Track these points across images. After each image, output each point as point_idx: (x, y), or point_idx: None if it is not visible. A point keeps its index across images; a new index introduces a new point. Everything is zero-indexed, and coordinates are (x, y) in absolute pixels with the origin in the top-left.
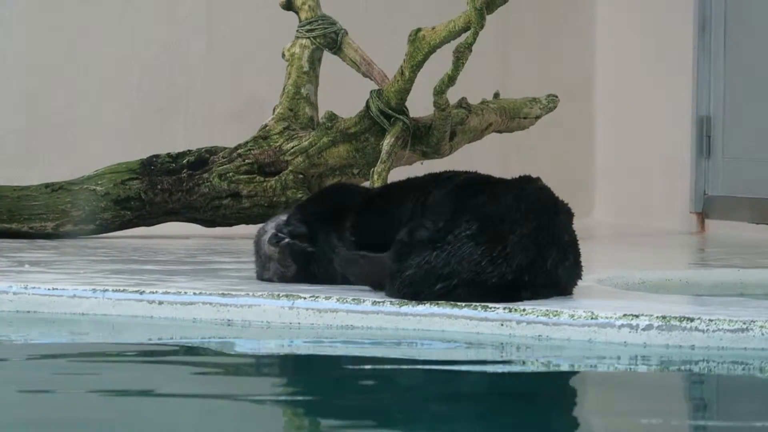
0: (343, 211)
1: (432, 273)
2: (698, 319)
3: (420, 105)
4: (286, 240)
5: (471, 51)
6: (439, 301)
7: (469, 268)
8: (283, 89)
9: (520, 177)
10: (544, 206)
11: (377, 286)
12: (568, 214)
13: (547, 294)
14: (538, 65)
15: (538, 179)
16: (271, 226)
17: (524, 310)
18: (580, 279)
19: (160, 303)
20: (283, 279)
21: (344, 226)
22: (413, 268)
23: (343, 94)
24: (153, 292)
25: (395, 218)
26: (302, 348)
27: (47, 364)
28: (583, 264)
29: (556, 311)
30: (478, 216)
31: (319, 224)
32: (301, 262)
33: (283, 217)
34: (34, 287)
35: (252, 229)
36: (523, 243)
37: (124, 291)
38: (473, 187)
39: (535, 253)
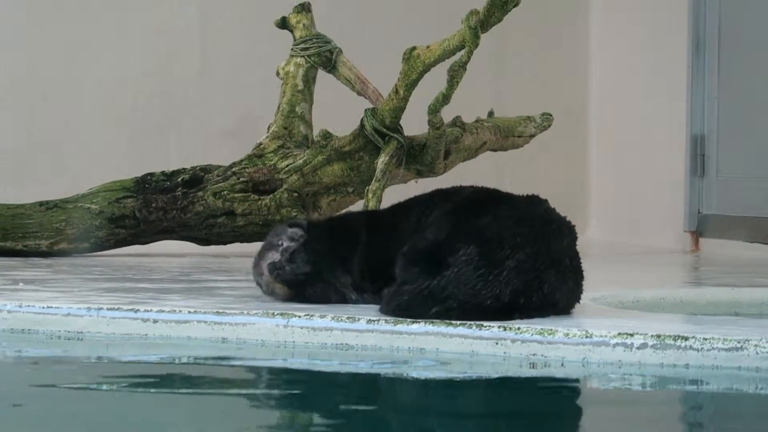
0: (350, 242)
1: (429, 297)
2: (693, 337)
3: (414, 123)
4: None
5: (465, 70)
6: (435, 320)
7: (465, 291)
8: (278, 107)
9: (527, 196)
10: (546, 230)
11: None
12: (572, 237)
13: (540, 316)
14: (532, 84)
15: (545, 201)
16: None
17: (519, 328)
18: (578, 302)
19: (155, 321)
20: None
21: (353, 259)
22: (409, 293)
23: (337, 112)
24: (148, 311)
25: (401, 235)
26: (297, 366)
27: (40, 382)
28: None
29: (551, 330)
30: (477, 240)
31: (325, 259)
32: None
33: (287, 243)
34: (28, 305)
35: (246, 247)
36: (520, 268)
37: (118, 309)
38: (477, 206)
39: (533, 276)
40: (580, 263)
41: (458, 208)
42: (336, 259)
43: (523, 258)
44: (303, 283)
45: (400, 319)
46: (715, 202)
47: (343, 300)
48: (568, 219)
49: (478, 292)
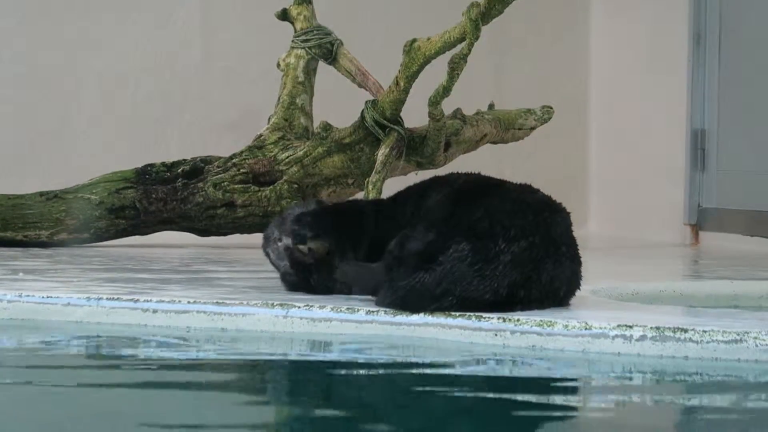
0: (357, 229)
1: (424, 294)
2: (692, 330)
3: (415, 115)
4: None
5: (466, 62)
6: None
7: (462, 287)
8: (278, 99)
9: (520, 185)
10: (540, 219)
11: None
12: (567, 224)
13: (541, 306)
14: (533, 76)
15: (537, 191)
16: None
17: (518, 320)
18: (579, 289)
19: (154, 311)
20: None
21: (359, 249)
22: (404, 289)
23: (338, 104)
24: (147, 301)
25: (399, 225)
26: (296, 357)
27: (40, 371)
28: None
29: (550, 321)
30: (469, 236)
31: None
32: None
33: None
34: (28, 295)
35: (246, 238)
36: (516, 260)
37: (118, 299)
38: (469, 198)
39: (530, 268)
40: (578, 249)
41: (450, 199)
42: (347, 248)
43: (518, 250)
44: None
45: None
46: (715, 196)
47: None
48: (562, 205)
49: (476, 288)
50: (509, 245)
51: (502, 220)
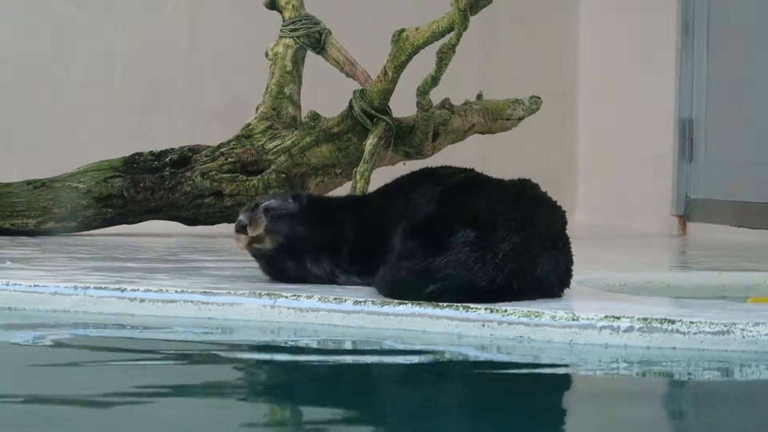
0: (340, 226)
1: (425, 276)
2: (679, 321)
3: (403, 105)
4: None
5: (454, 52)
6: (422, 302)
7: (462, 273)
8: (267, 88)
9: (518, 180)
10: (539, 214)
11: None
12: (563, 221)
13: (533, 298)
14: (521, 66)
15: (536, 185)
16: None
17: (506, 311)
18: (568, 287)
19: (142, 300)
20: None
21: (343, 243)
22: (406, 270)
23: (326, 93)
24: (134, 290)
25: (390, 217)
26: (283, 347)
27: (26, 361)
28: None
29: (538, 312)
30: (474, 224)
31: (310, 241)
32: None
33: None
34: (15, 284)
35: (233, 228)
36: (515, 251)
37: (105, 288)
38: (471, 189)
39: (527, 259)
40: (570, 247)
41: (452, 190)
42: (322, 244)
43: (518, 241)
44: (278, 255)
45: (387, 300)
46: (703, 186)
47: (328, 282)
48: (558, 203)
49: (474, 274)
50: (510, 235)
51: (504, 211)
